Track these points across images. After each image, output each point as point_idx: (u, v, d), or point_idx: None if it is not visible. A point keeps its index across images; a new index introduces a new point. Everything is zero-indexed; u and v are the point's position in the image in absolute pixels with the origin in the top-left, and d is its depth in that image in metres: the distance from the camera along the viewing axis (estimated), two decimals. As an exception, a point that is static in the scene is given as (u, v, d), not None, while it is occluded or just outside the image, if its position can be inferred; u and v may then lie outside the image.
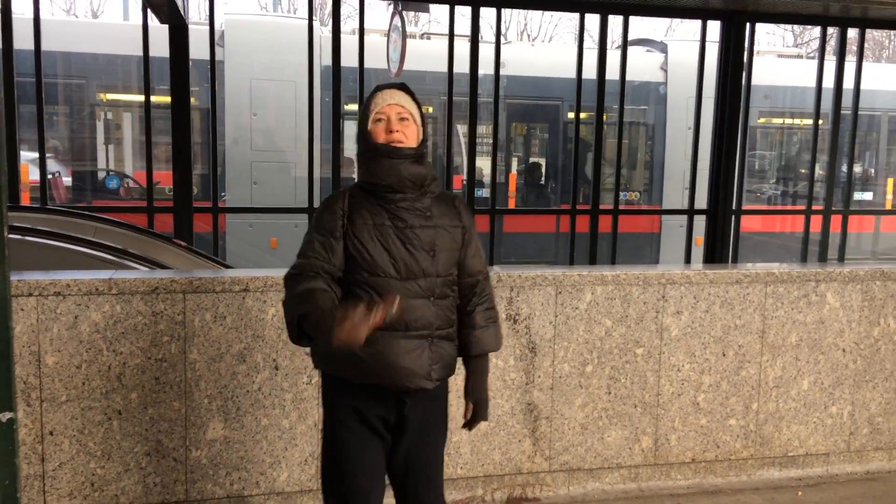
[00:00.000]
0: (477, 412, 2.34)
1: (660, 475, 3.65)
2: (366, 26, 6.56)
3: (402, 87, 2.29)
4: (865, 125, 10.87)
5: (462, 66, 6.61)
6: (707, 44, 7.35)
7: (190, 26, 6.17)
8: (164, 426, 3.06)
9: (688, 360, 3.61)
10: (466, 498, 3.42)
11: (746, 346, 3.67)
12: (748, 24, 7.25)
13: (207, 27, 6.32)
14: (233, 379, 3.12)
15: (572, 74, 7.33)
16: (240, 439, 3.15)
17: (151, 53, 5.93)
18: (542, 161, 10.59)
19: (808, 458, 3.83)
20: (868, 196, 11.21)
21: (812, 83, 8.08)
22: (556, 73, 9.51)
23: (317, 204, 6.75)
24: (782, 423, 3.77)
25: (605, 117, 7.36)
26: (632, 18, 7.19)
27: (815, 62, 11.20)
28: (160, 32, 6.03)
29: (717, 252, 7.72)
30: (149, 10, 5.86)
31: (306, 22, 6.40)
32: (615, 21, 7.61)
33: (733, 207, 7.65)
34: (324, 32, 8.15)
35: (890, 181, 11.51)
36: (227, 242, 8.28)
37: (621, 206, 7.98)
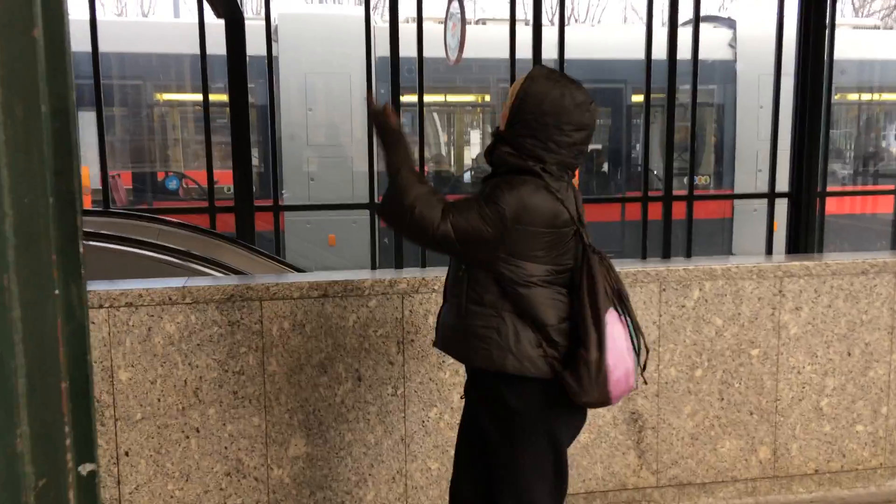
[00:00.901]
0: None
1: (779, 488, 3.30)
2: (423, 14, 6.29)
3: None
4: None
5: (522, 51, 6.30)
6: (776, 18, 6.88)
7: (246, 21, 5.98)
8: (245, 443, 2.84)
9: (809, 361, 3.26)
10: (567, 516, 3.13)
11: (874, 343, 3.29)
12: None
13: (262, 22, 6.13)
14: (314, 391, 2.89)
15: (634, 55, 6.94)
16: (323, 456, 2.92)
17: (207, 51, 5.76)
18: (602, 147, 10.19)
19: (944, 466, 3.43)
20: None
21: (893, 56, 7.53)
22: (618, 55, 9.09)
23: (377, 199, 6.54)
24: (915, 428, 3.39)
25: (674, 100, 6.94)
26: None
27: (893, 33, 10.53)
28: (214, 30, 5.86)
29: (800, 238, 7.25)
30: (205, 5, 5.69)
31: (361, 13, 6.18)
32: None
33: (818, 189, 7.19)
34: (377, 23, 7.92)
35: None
36: (287, 241, 8.14)
37: (694, 192, 7.57)
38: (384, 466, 2.97)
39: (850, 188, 10.50)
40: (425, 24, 6.13)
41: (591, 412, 2.26)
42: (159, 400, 2.76)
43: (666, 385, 3.16)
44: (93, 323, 2.68)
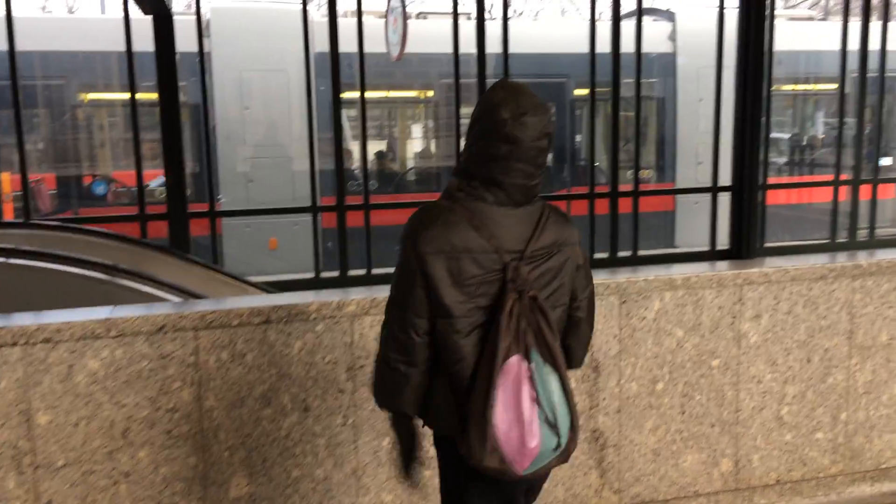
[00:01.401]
0: None
1: (742, 500, 3.23)
2: (362, 8, 6.05)
3: None
4: (892, 88, 10.44)
5: (466, 46, 6.13)
6: (716, 10, 6.88)
7: (174, 17, 5.65)
8: (180, 487, 2.61)
9: (769, 370, 3.19)
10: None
11: (833, 349, 3.25)
12: (770, -13, 6.78)
13: (192, 17, 5.80)
14: (256, 426, 2.67)
15: (577, 49, 6.84)
16: (268, 495, 2.71)
17: (134, 48, 5.41)
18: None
19: (901, 469, 3.42)
20: (889, 161, 10.80)
21: (828, 46, 7.62)
22: (562, 49, 9.00)
23: (320, 201, 6.30)
24: (873, 432, 3.36)
25: (618, 93, 6.88)
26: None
27: (830, 24, 10.75)
28: (144, 25, 5.51)
29: (743, 230, 7.30)
30: (130, 1, 5.33)
31: (298, 7, 5.90)
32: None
33: (759, 182, 7.23)
34: (316, 17, 7.63)
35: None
36: (224, 246, 7.80)
37: (640, 187, 7.53)
38: (334, 502, 2.78)
39: (789, 179, 10.70)
40: (366, 19, 5.90)
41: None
42: (84, 444, 2.51)
43: (628, 401, 3.05)
44: (5, 363, 2.41)
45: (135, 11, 5.54)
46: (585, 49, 6.34)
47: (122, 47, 5.46)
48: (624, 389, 3.03)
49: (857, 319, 3.26)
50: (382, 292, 2.79)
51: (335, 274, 5.83)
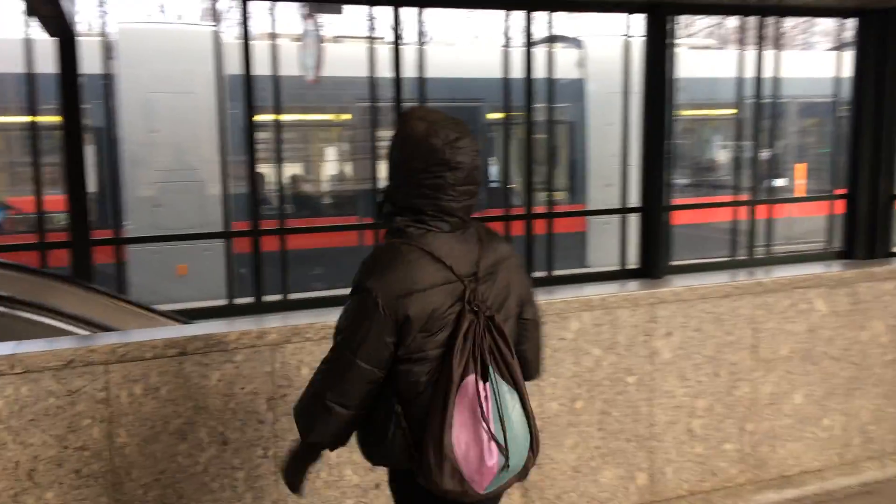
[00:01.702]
0: None
1: (659, 513, 3.34)
2: (277, 31, 6.01)
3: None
4: (783, 113, 11.10)
5: (382, 70, 6.17)
6: (621, 39, 7.19)
7: (79, 38, 5.45)
8: (91, 529, 2.49)
9: (681, 385, 3.31)
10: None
11: (739, 363, 3.41)
12: (670, 17, 7.13)
13: (97, 38, 5.62)
14: (172, 461, 2.58)
15: (490, 74, 6.98)
16: (186, 532, 2.61)
17: (38, 69, 5.19)
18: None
19: (803, 476, 3.61)
20: (783, 182, 11.46)
21: (725, 74, 8.05)
22: (476, 74, 9.18)
23: (231, 225, 6.16)
24: (777, 441, 3.54)
25: (532, 118, 7.06)
26: (544, 15, 6.93)
27: (727, 52, 11.35)
28: (42, 45, 5.30)
29: (651, 249, 7.59)
30: (35, 23, 5.12)
31: (209, 29, 5.81)
32: (521, 18, 7.32)
33: (664, 203, 7.54)
34: (228, 39, 7.51)
35: (798, 167, 11.82)
36: (131, 274, 7.51)
37: (546, 208, 7.71)
38: (256, 536, 2.71)
39: (692, 200, 11.18)
40: (281, 42, 5.86)
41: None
42: (-16, 489, 2.36)
43: (548, 420, 3.10)
44: None
45: (35, 31, 5.32)
46: (499, 74, 6.49)
47: (18, 68, 5.23)
48: (545, 409, 3.09)
49: (760, 334, 3.43)
50: (303, 319, 2.76)
51: (250, 300, 5.72)
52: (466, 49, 12.27)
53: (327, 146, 9.57)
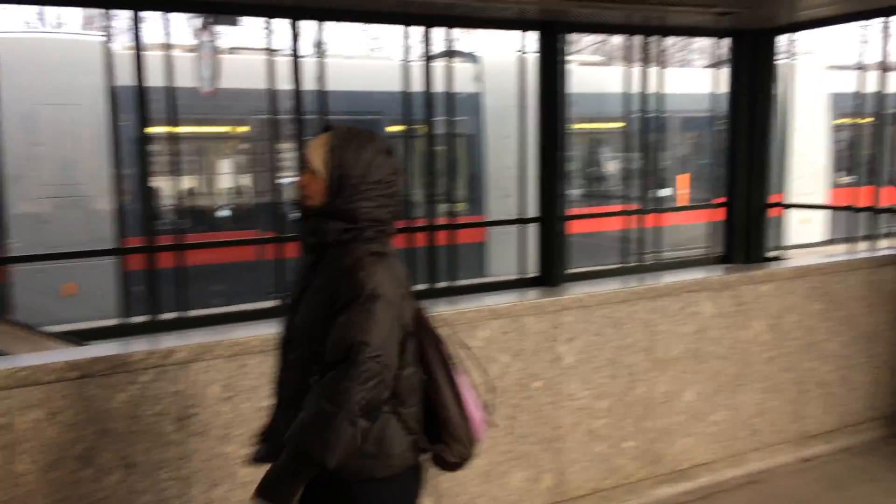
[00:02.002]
0: None
1: (565, 512, 3.47)
2: (172, 41, 5.86)
3: (325, 130, 1.98)
4: (666, 126, 11.72)
5: (277, 82, 6.14)
6: (522, 55, 7.46)
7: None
8: (-13, 564, 2.36)
9: (583, 387, 3.47)
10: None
11: (635, 364, 3.60)
12: (561, 35, 7.42)
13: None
14: (75, 488, 2.48)
15: (390, 87, 7.06)
16: (91, 561, 2.52)
17: None
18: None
19: (695, 469, 3.83)
20: (668, 192, 12.08)
21: (613, 89, 8.45)
22: (375, 87, 9.23)
23: (121, 242, 5.93)
24: (672, 437, 3.75)
25: (432, 131, 7.18)
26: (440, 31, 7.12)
27: (614, 69, 11.86)
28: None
29: (549, 258, 7.84)
30: None
31: (97, 39, 5.61)
32: (419, 33, 7.46)
33: (560, 214, 7.82)
34: (119, 50, 7.25)
35: (679, 178, 12.50)
36: (16, 294, 7.10)
37: (447, 220, 7.84)
38: (166, 560, 2.64)
39: (587, 210, 11.61)
40: (176, 53, 5.72)
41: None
42: None
43: (458, 427, 3.17)
44: None
45: None
46: (398, 87, 6.57)
47: None
48: (455, 417, 3.16)
49: (655, 337, 3.63)
50: (214, 337, 2.72)
51: (145, 319, 5.52)
52: (366, 62, 12.32)
53: (224, 159, 9.37)
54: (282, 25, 6.38)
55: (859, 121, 9.97)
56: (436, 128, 7.81)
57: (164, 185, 7.51)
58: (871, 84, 7.48)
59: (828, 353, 4.22)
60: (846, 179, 12.34)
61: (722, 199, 8.30)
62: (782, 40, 8.22)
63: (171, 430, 2.63)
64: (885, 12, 6.44)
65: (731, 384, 3.90)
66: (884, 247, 6.49)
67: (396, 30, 6.92)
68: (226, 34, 7.91)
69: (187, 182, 8.88)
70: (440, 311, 3.10)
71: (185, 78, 6.88)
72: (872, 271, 4.36)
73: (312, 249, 1.94)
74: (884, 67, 7.08)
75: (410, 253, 6.95)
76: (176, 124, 5.99)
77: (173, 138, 6.04)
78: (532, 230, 7.73)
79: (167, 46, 5.68)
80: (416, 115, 7.02)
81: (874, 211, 7.06)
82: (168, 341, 2.71)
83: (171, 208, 7.35)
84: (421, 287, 6.51)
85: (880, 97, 7.30)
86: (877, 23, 6.71)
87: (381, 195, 1.90)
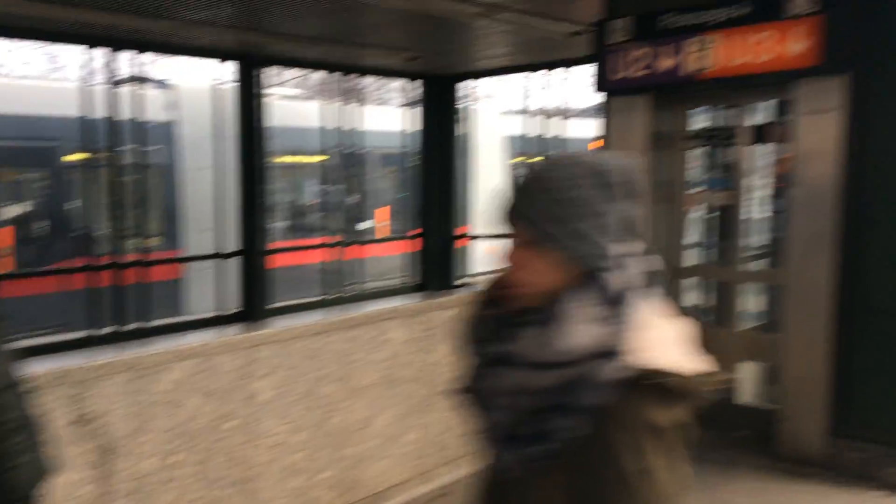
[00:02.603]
0: None
1: (263, 552, 3.40)
2: None
3: None
4: (365, 161, 12.16)
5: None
6: (219, 85, 7.29)
7: None
8: None
9: (280, 423, 3.45)
10: None
11: (332, 394, 3.67)
12: (260, 67, 7.39)
13: None
14: None
15: (69, 112, 6.47)
16: None
17: None
18: (34, 211, 9.19)
19: (390, 490, 4.00)
20: (368, 224, 12.55)
21: (314, 123, 8.64)
22: (50, 111, 8.35)
23: None
24: (368, 462, 3.87)
25: (119, 160, 6.69)
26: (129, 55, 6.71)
27: (315, 104, 12.06)
28: None
29: (251, 292, 7.68)
30: None
31: None
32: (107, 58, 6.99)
33: (262, 247, 7.71)
34: None
35: (378, 211, 13.09)
36: None
37: (138, 256, 7.35)
38: None
39: (290, 243, 11.60)
40: None
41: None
42: None
43: (143, 479, 2.97)
44: None
45: None
46: (77, 112, 6.03)
47: None
48: (140, 468, 2.95)
49: (350, 366, 3.74)
50: None
51: None
52: (40, 84, 11.11)
53: None
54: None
55: (529, 160, 11.28)
56: (124, 157, 7.28)
57: None
58: (535, 128, 8.53)
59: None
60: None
61: (417, 231, 8.85)
62: (466, 85, 9.04)
63: None
64: (549, 65, 7.42)
65: (422, 405, 4.15)
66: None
67: (79, 51, 6.31)
68: None
69: None
70: (116, 357, 2.89)
71: None
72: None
73: None
74: (546, 113, 8.13)
75: (94, 294, 6.35)
76: None
77: None
78: (233, 265, 7.51)
79: None
80: (101, 144, 6.49)
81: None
82: None
83: None
84: (107, 330, 5.96)
85: (542, 140, 8.35)
86: (540, 75, 7.71)
87: None
